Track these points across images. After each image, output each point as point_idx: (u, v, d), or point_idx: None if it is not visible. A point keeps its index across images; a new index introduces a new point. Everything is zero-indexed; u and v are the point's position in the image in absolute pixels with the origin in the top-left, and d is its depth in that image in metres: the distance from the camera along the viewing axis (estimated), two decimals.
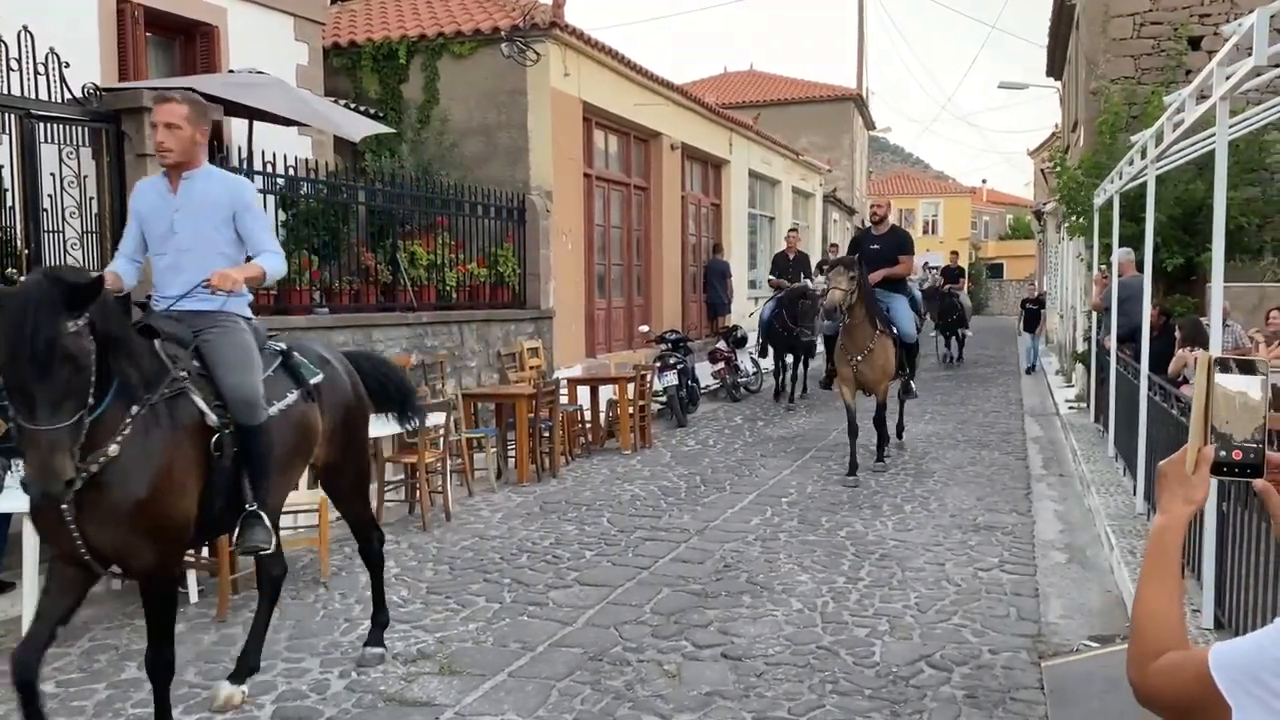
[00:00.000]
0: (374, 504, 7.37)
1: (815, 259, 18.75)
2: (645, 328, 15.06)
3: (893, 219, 11.04)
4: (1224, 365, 1.40)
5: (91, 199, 7.25)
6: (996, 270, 53.66)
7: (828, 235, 28.42)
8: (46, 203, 7.03)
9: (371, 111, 12.07)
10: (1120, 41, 13.32)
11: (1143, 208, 8.07)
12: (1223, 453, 1.40)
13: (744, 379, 15.53)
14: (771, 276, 15.62)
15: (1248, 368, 1.40)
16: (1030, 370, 19.29)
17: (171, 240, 4.10)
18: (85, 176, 7.18)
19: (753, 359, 15.72)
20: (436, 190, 11.12)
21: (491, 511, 8.03)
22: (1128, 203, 9.77)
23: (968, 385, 17.17)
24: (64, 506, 3.38)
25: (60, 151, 7.05)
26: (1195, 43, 12.96)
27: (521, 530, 7.40)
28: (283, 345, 4.41)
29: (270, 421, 4.01)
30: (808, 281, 14.86)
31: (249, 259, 4.25)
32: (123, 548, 3.55)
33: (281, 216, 9.33)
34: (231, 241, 4.17)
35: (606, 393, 11.40)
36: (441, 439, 7.90)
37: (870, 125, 35.74)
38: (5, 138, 6.82)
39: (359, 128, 9.51)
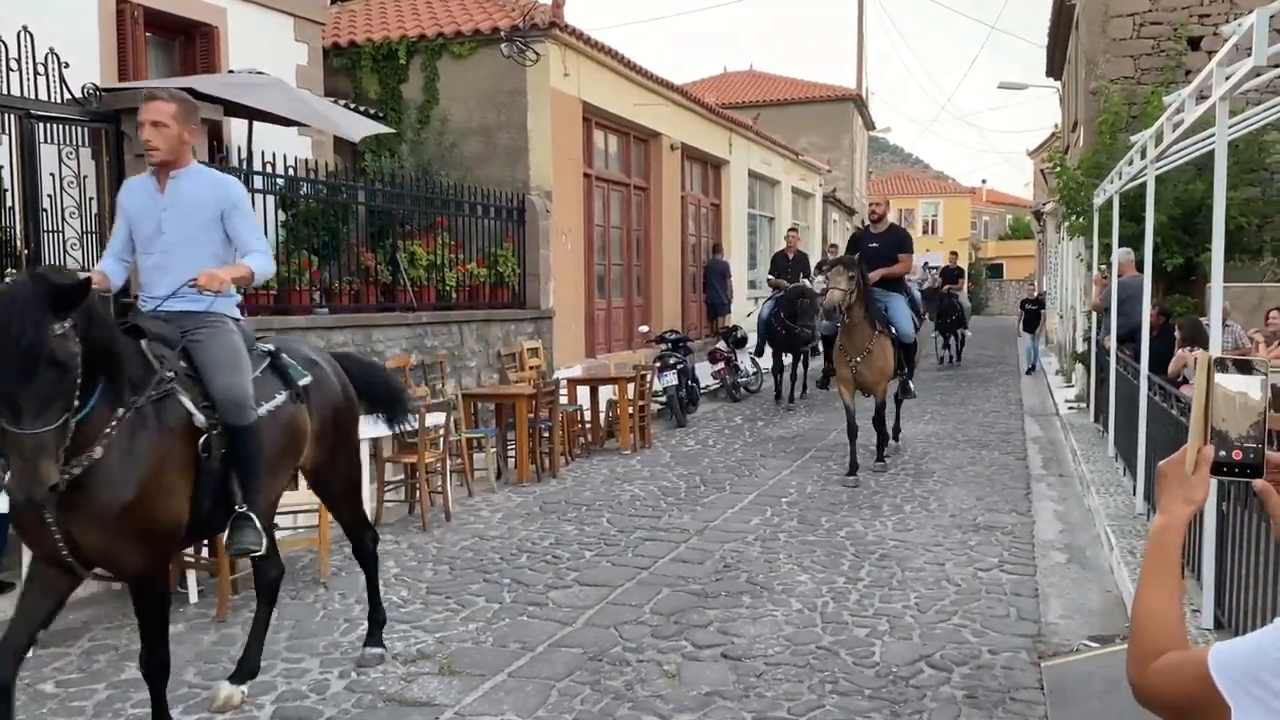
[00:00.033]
0: (374, 504, 7.40)
1: (814, 259, 18.74)
2: (645, 328, 15.06)
3: (891, 217, 11.05)
4: (1223, 365, 1.40)
5: (91, 199, 7.26)
6: (996, 270, 53.68)
7: (827, 235, 28.42)
8: (46, 203, 7.03)
9: (371, 112, 12.08)
10: (1120, 41, 13.32)
11: (1142, 208, 8.07)
12: (1222, 453, 1.40)
13: (744, 379, 15.53)
14: (770, 276, 15.63)
15: (1247, 368, 1.40)
16: (1030, 371, 19.29)
17: (159, 240, 4.06)
18: (85, 176, 7.19)
19: (751, 359, 15.73)
20: (436, 190, 11.12)
21: (491, 512, 8.03)
22: (1127, 203, 9.77)
23: (967, 385, 17.18)
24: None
25: (60, 151, 7.06)
26: (1195, 43, 12.96)
27: (521, 530, 7.40)
28: (270, 346, 4.37)
29: (260, 422, 3.98)
30: (806, 282, 14.86)
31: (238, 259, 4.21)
32: (110, 550, 3.51)
33: (281, 217, 9.34)
34: (220, 241, 4.13)
35: (606, 393, 11.41)
36: (441, 439, 7.90)
37: (870, 125, 35.75)
38: (5, 138, 6.83)
39: (359, 128, 9.51)
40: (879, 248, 10.06)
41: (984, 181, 63.16)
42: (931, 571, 6.31)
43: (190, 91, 7.57)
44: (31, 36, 6.92)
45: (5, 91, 6.83)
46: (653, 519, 7.72)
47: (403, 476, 7.98)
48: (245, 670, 4.44)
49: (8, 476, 3.19)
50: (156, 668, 3.74)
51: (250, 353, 4.13)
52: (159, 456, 3.59)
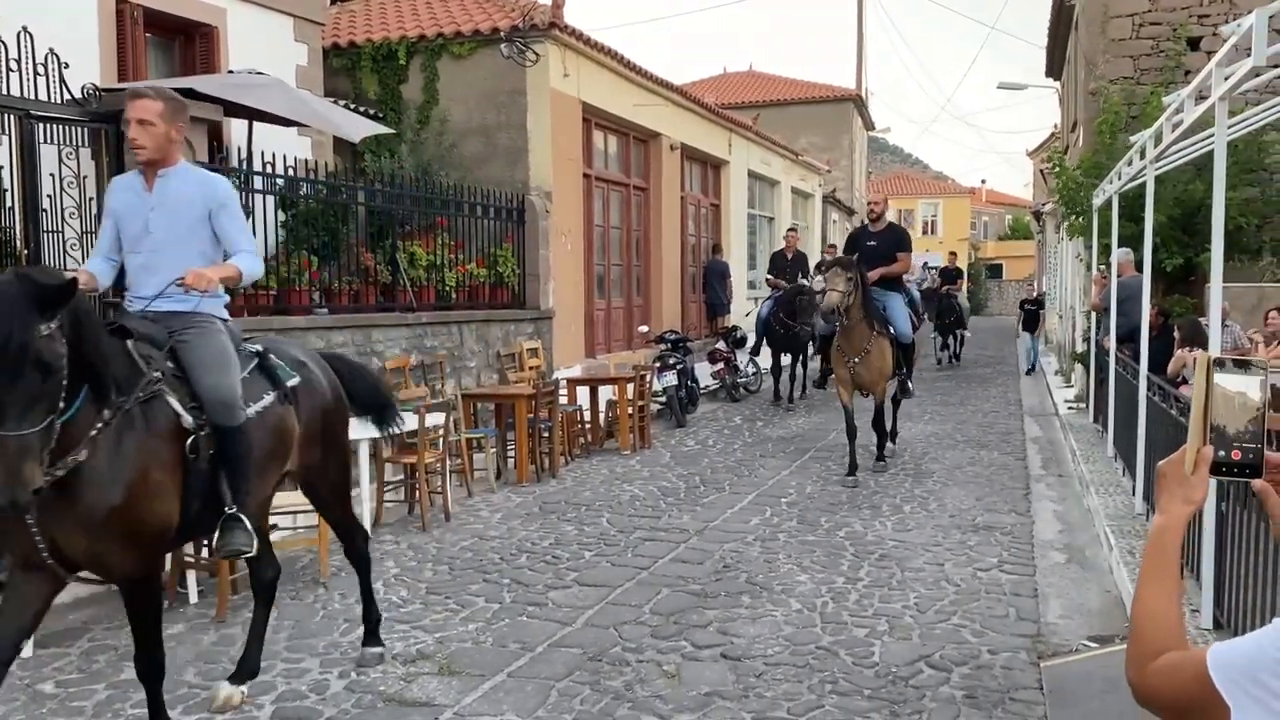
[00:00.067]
0: (374, 504, 7.40)
1: (813, 259, 18.75)
2: (645, 328, 15.06)
3: (891, 217, 11.04)
4: (1223, 365, 1.40)
5: (91, 199, 7.25)
6: (996, 270, 53.72)
7: (827, 236, 28.41)
8: (46, 203, 7.03)
9: (371, 112, 12.07)
10: (1119, 42, 13.32)
11: (1142, 208, 8.07)
12: (1221, 453, 1.40)
13: (743, 379, 15.54)
14: (769, 275, 15.64)
15: (1246, 368, 1.40)
16: (1030, 371, 19.30)
17: (146, 239, 4.01)
18: (85, 177, 7.19)
19: (751, 359, 15.73)
20: (436, 191, 11.12)
21: (491, 512, 8.03)
22: (1127, 203, 9.77)
23: (967, 386, 17.18)
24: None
25: (60, 152, 7.06)
26: (1194, 43, 12.96)
27: (521, 531, 7.40)
28: (258, 347, 4.33)
29: (248, 423, 3.94)
30: (804, 282, 14.87)
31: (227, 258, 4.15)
32: (98, 553, 3.46)
33: (281, 217, 9.34)
34: (208, 240, 4.08)
35: (606, 393, 11.41)
36: (441, 439, 7.90)
37: (869, 126, 35.75)
38: (5, 138, 6.83)
39: (358, 128, 9.51)
40: (877, 246, 10.04)
41: (983, 182, 63.25)
42: (931, 572, 6.31)
43: (190, 92, 7.62)
44: (31, 37, 6.92)
45: (5, 92, 6.83)
46: (652, 519, 7.72)
47: (402, 477, 7.98)
48: (245, 670, 4.44)
49: None
50: (152, 669, 3.72)
51: (238, 353, 4.09)
52: (146, 458, 3.55)
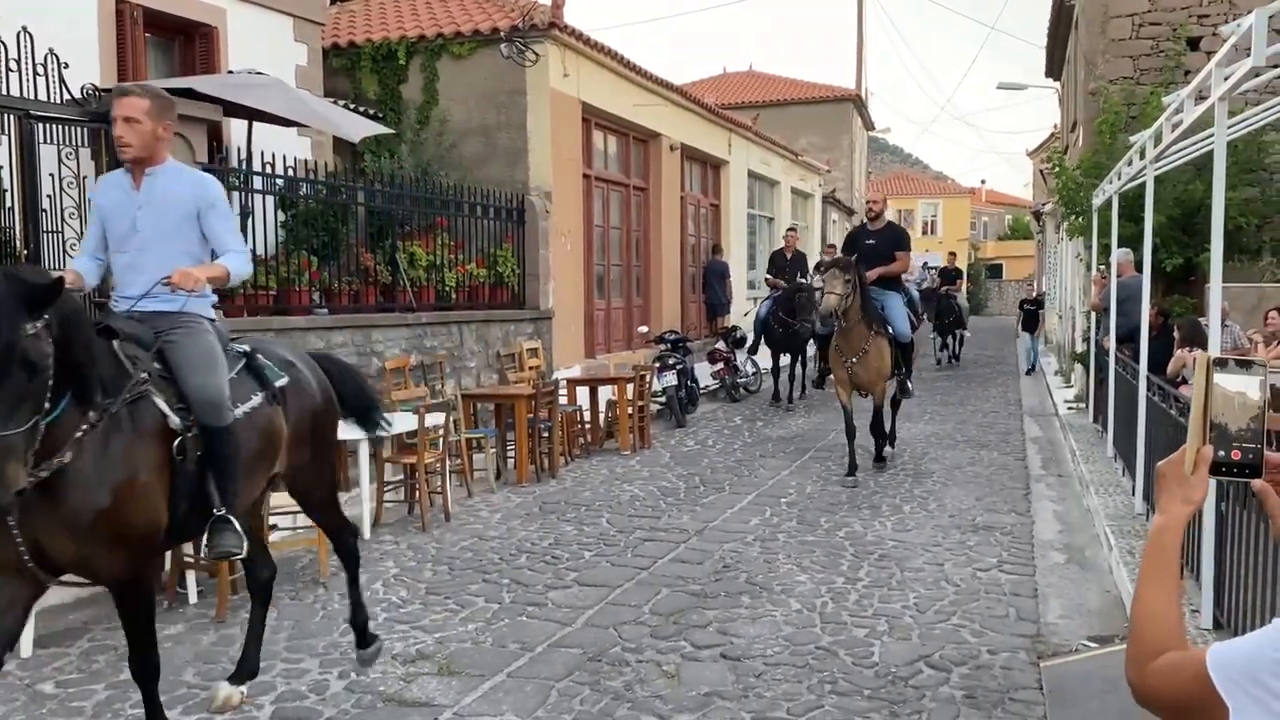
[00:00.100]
0: (374, 504, 7.40)
1: (813, 259, 18.75)
2: (644, 328, 15.06)
3: (890, 217, 11.03)
4: (1223, 365, 1.40)
5: (90, 199, 7.24)
6: (995, 271, 53.72)
7: (826, 236, 28.41)
8: (45, 203, 7.03)
9: (371, 112, 12.07)
10: (1119, 42, 13.33)
11: (1141, 208, 8.08)
12: (1221, 453, 1.40)
13: (743, 379, 15.55)
14: (769, 275, 15.65)
15: (1246, 368, 1.40)
16: (1030, 371, 19.30)
17: (133, 238, 3.96)
18: (84, 177, 7.18)
19: (750, 359, 15.73)
20: (436, 191, 11.12)
21: (490, 512, 8.03)
22: (1126, 203, 9.77)
23: (967, 386, 17.19)
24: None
25: (60, 152, 7.05)
26: (1194, 43, 12.97)
27: (520, 531, 7.40)
28: (246, 347, 4.28)
29: (236, 424, 3.89)
30: (803, 282, 14.87)
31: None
32: (85, 556, 3.42)
33: (281, 217, 9.34)
34: (196, 240, 4.03)
35: (606, 393, 11.41)
36: (441, 439, 7.90)
37: (869, 126, 35.75)
38: (5, 138, 6.82)
39: (358, 128, 9.51)
40: (876, 245, 10.01)
41: (983, 182, 63.26)
42: (930, 572, 6.31)
43: (190, 92, 7.63)
44: (31, 37, 6.92)
45: (5, 92, 6.83)
46: (652, 519, 7.72)
47: (402, 477, 7.98)
48: (244, 671, 4.43)
49: None
50: (147, 669, 3.70)
51: (225, 353, 4.05)
52: (133, 459, 3.50)
